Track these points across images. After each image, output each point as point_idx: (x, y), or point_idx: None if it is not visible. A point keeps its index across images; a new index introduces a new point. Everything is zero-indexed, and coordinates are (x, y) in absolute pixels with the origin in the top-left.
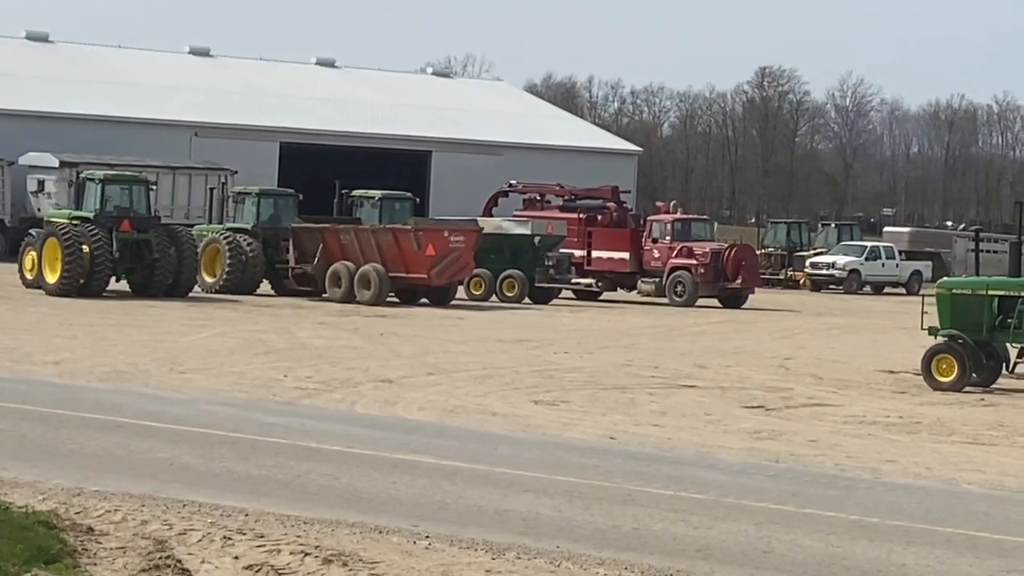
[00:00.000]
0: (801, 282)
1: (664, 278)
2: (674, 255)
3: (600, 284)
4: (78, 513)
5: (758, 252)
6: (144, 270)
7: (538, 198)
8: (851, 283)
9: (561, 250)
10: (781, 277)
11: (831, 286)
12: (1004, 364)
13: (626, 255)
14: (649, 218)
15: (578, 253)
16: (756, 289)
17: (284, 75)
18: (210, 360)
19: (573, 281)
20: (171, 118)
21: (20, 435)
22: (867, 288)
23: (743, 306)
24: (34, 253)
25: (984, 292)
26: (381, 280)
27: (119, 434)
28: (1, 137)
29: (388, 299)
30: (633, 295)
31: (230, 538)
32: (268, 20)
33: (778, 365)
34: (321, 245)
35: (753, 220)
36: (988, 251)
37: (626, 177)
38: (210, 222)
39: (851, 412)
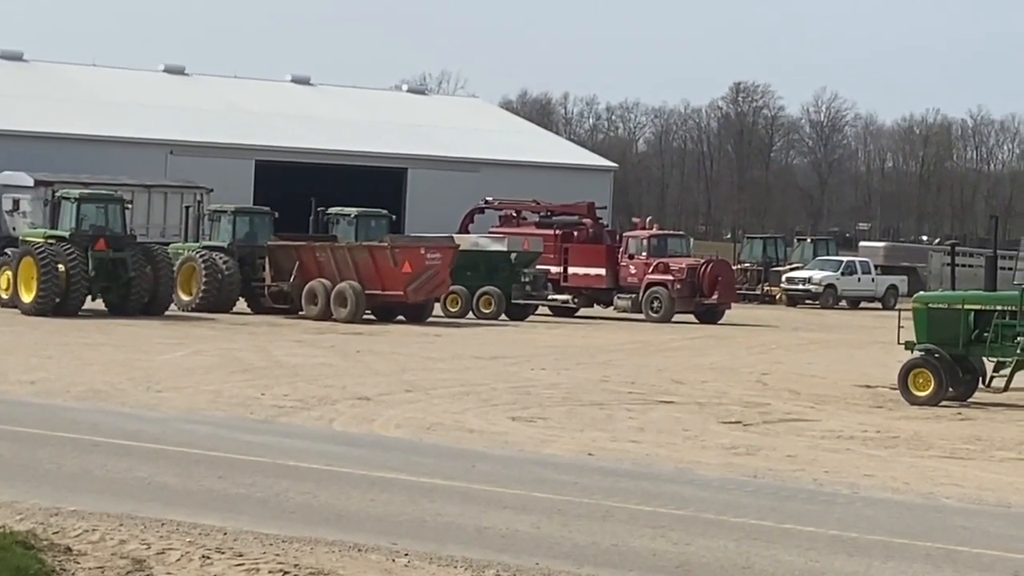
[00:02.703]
0: (777, 297)
1: (640, 294)
2: (650, 271)
3: (576, 300)
4: (56, 533)
5: (734, 267)
6: (120, 289)
7: (514, 215)
8: (827, 298)
9: (537, 266)
10: (757, 292)
11: (807, 301)
12: (980, 378)
13: (602, 271)
14: (625, 234)
15: (554, 269)
16: (732, 304)
17: (259, 93)
18: (187, 379)
19: (550, 297)
20: (146, 136)
21: None
22: (843, 303)
23: (719, 321)
24: (9, 272)
25: (960, 306)
26: (357, 297)
27: (96, 453)
28: None
29: (364, 316)
30: (610, 311)
31: (208, 557)
32: (243, 38)
33: (755, 380)
34: (297, 263)
35: (729, 235)
36: (964, 265)
37: (602, 193)
38: (186, 240)
39: (828, 427)
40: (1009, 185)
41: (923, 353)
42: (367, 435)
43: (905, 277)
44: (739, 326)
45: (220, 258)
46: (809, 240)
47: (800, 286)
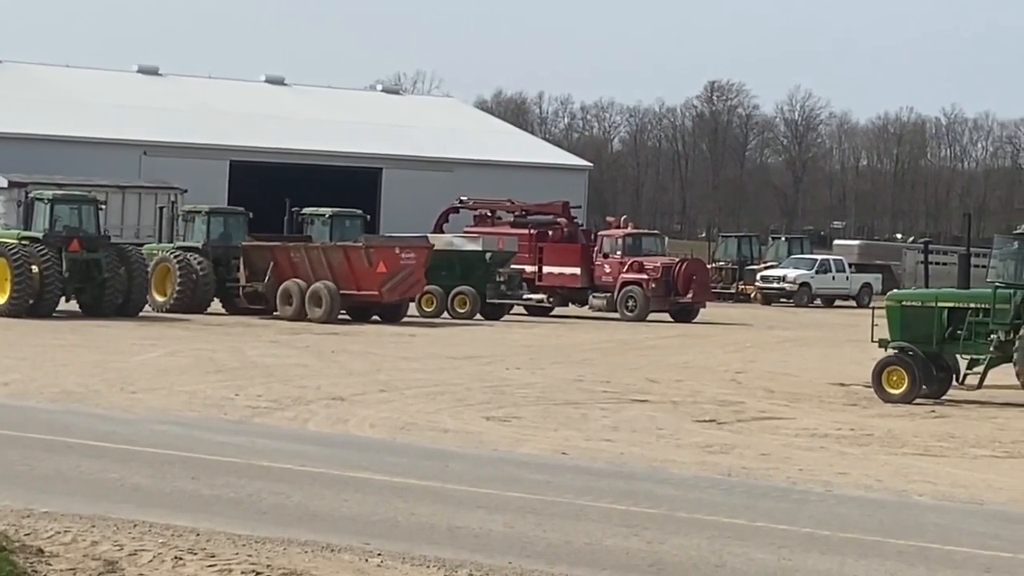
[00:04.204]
0: (752, 295)
1: (615, 293)
2: (625, 270)
3: (551, 300)
4: (28, 535)
5: (709, 266)
6: (94, 290)
7: (489, 214)
8: (802, 296)
9: (512, 266)
10: (732, 291)
11: (782, 299)
12: (954, 376)
13: (577, 270)
14: (600, 233)
15: (529, 269)
16: (707, 303)
17: (233, 93)
18: (161, 380)
19: (524, 297)
20: (120, 137)
21: None
22: (818, 301)
23: (694, 320)
24: None
25: (934, 304)
26: (332, 298)
27: (69, 455)
28: None
29: (339, 316)
30: (584, 310)
31: (181, 558)
32: (217, 38)
33: (729, 379)
34: (272, 263)
35: (704, 234)
36: (937, 263)
37: (577, 192)
38: (160, 241)
39: (802, 425)
40: (983, 183)
41: (897, 351)
42: (341, 435)
43: (879, 275)
44: (714, 325)
45: (194, 259)
46: (783, 238)
47: (775, 284)
